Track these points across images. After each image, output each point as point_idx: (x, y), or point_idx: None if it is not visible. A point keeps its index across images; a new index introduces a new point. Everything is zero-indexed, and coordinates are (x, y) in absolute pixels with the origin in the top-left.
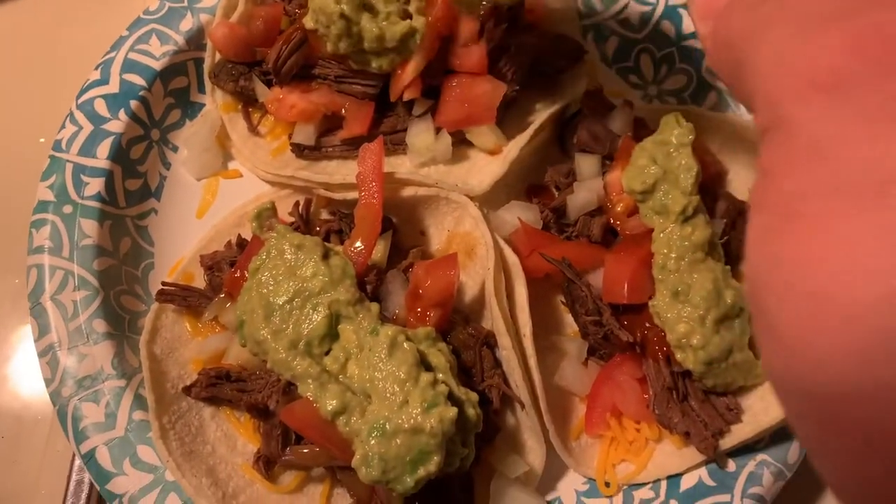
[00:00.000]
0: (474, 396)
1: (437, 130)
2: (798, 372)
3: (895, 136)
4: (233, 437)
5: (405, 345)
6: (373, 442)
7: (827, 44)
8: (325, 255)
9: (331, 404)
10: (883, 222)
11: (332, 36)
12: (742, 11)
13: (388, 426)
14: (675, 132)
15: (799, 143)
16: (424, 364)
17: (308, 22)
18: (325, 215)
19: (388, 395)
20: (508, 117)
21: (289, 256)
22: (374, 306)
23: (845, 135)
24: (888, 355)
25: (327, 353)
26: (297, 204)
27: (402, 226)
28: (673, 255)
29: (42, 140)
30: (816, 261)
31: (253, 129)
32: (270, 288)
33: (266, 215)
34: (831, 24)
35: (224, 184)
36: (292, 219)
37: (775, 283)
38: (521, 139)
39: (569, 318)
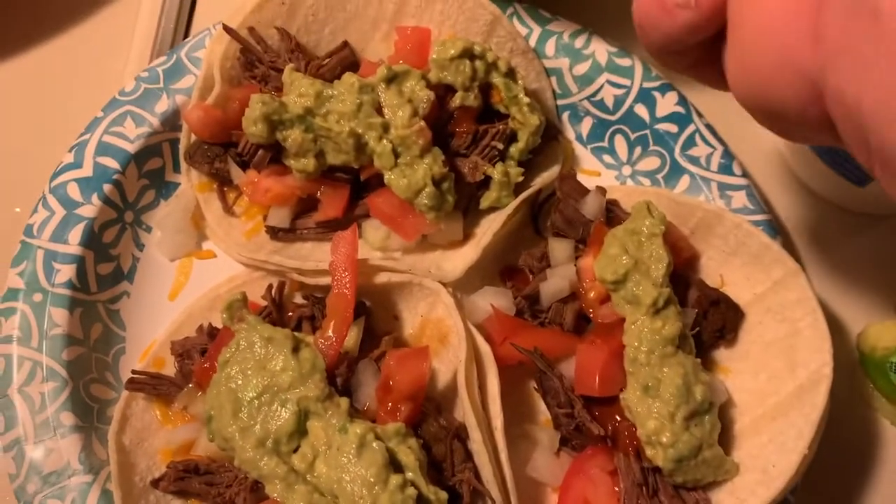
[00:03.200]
0: (444, 496)
1: None
2: None
3: None
4: None
5: (374, 444)
6: None
7: None
8: (296, 349)
9: None
10: None
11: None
12: None
13: None
14: (646, 222)
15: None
16: (394, 463)
17: None
18: (298, 299)
19: (355, 498)
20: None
21: (258, 350)
22: (344, 402)
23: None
24: None
25: (296, 451)
26: (269, 287)
27: (376, 309)
28: (643, 349)
29: (17, 210)
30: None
31: (228, 210)
32: (239, 383)
33: (237, 306)
34: None
35: (198, 264)
36: (265, 302)
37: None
38: (495, 224)
39: (542, 405)
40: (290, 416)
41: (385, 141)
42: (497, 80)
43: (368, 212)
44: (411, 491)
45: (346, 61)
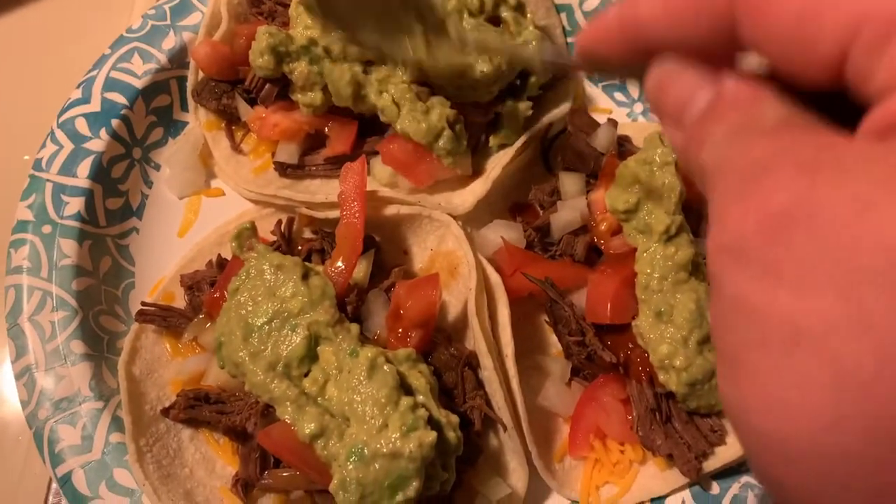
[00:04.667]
0: (455, 419)
1: None
2: (767, 485)
3: (791, 291)
4: (211, 460)
5: (385, 367)
6: (351, 467)
7: (738, 215)
8: (305, 276)
9: (309, 427)
10: (795, 369)
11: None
12: (711, 147)
13: (366, 451)
14: (658, 151)
15: (724, 300)
16: (404, 386)
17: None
18: (307, 234)
19: (367, 418)
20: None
21: (268, 277)
22: (354, 327)
23: (755, 293)
24: (819, 485)
25: (306, 375)
26: (279, 223)
27: (385, 244)
28: (656, 275)
29: (26, 157)
30: (751, 405)
31: (236, 148)
32: (249, 309)
33: (246, 235)
34: (742, 201)
35: (206, 202)
36: (274, 238)
37: (734, 418)
38: (504, 157)
39: (553, 338)
40: (300, 341)
41: (385, 94)
42: (506, 13)
43: (376, 147)
44: (422, 412)
45: None
